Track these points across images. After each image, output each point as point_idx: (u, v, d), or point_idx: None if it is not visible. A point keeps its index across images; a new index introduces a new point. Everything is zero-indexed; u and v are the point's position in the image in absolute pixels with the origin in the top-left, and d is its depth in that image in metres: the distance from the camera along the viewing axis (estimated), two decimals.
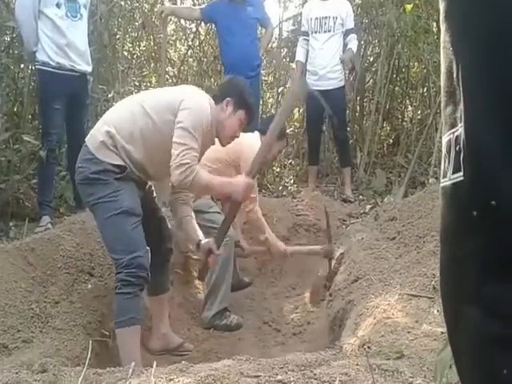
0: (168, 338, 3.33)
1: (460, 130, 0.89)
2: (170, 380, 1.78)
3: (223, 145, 3.18)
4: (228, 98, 3.06)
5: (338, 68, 5.53)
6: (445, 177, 0.94)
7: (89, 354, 1.96)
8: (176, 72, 8.21)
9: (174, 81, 7.82)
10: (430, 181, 5.51)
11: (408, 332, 2.10)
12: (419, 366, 1.78)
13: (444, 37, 0.94)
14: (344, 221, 4.88)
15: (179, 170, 2.77)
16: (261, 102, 6.56)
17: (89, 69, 4.55)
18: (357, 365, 1.74)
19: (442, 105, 0.97)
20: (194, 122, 2.83)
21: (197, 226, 3.22)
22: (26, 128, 5.20)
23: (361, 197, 5.80)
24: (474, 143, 0.86)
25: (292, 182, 6.46)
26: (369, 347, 2.03)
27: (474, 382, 0.91)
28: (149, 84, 8.02)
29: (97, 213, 2.88)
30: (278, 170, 6.63)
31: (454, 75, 0.90)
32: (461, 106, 0.89)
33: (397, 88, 7.77)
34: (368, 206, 5.24)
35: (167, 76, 7.73)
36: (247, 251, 4.31)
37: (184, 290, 4.11)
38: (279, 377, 1.66)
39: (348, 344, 2.38)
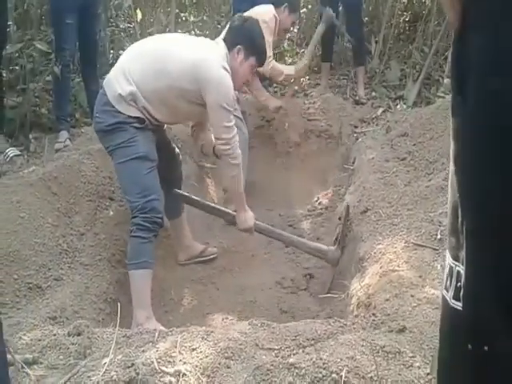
0: (191, 248, 3.66)
1: (462, 271, 0.97)
2: (194, 350, 2.00)
3: (237, 89, 3.26)
4: (239, 46, 3.11)
5: None
6: (446, 290, 1.02)
7: (118, 319, 2.15)
8: None
9: None
10: (445, 81, 5.44)
11: (412, 296, 2.27)
12: (419, 343, 1.97)
13: (452, 177, 0.98)
14: (355, 127, 4.91)
15: (227, 152, 3.09)
16: None
17: None
18: (362, 346, 1.92)
19: (447, 230, 1.03)
20: (226, 98, 2.95)
21: None
22: (35, 28, 5.10)
23: (373, 93, 5.76)
24: (473, 297, 0.94)
25: None
26: (374, 314, 2.21)
27: None
28: None
29: (114, 158, 3.00)
30: (290, 60, 6.50)
31: (459, 220, 0.96)
32: (463, 252, 0.96)
33: None
34: (380, 110, 5.24)
35: None
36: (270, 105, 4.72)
37: None
38: (291, 360, 1.86)
39: (354, 294, 2.59)
